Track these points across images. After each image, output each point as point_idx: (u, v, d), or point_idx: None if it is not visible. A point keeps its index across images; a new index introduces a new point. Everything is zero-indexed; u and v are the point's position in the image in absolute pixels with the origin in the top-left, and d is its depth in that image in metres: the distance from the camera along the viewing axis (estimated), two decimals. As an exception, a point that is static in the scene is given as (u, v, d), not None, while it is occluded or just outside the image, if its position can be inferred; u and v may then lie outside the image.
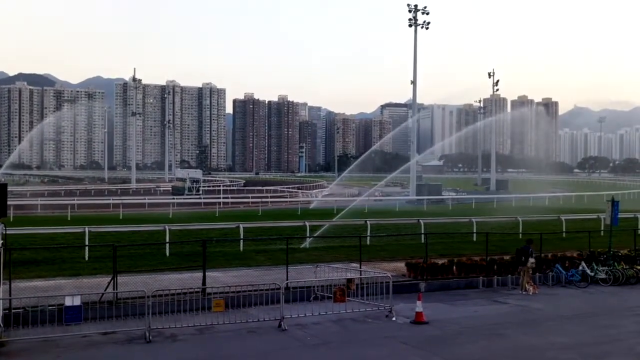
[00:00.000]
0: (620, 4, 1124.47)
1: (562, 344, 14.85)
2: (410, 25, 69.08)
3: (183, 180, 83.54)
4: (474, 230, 31.96)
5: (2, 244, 14.68)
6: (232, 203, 60.38)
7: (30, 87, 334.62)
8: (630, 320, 17.64)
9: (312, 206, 57.36)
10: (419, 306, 16.50)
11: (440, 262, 22.54)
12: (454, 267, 22.40)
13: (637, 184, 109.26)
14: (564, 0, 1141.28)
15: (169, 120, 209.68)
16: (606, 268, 23.12)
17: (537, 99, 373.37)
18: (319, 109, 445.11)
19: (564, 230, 33.86)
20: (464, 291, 21.23)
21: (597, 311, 18.91)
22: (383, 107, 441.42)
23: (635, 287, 22.55)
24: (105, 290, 16.52)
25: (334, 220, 34.16)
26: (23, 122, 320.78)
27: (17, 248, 24.20)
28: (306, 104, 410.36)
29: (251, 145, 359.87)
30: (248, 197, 63.58)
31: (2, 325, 14.21)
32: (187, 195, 73.22)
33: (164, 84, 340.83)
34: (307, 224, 30.68)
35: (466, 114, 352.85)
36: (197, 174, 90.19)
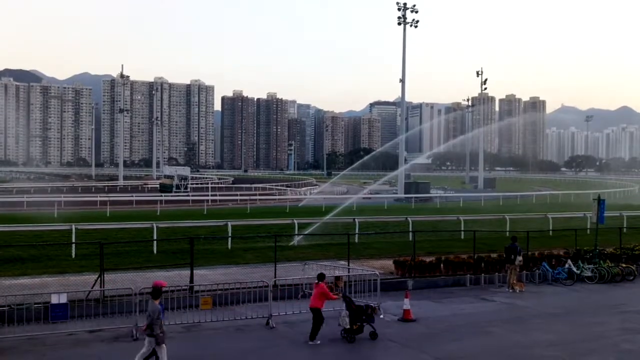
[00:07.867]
0: (609, 6, 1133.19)
1: (548, 341, 14.98)
2: (399, 24, 69.12)
3: (171, 177, 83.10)
4: (462, 228, 32.06)
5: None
6: (220, 201, 60.09)
7: (17, 83, 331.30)
8: (616, 317, 17.79)
9: (301, 204, 57.27)
10: (406, 304, 16.57)
11: (428, 259, 22.61)
12: (442, 265, 22.50)
13: (623, 182, 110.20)
14: (553, 0, 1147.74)
15: (157, 117, 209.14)
16: (592, 266, 23.32)
17: (525, 97, 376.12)
18: (308, 106, 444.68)
19: (550, 228, 34.06)
20: (452, 289, 21.33)
21: (582, 309, 19.08)
22: (372, 105, 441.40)
23: (620, 285, 22.76)
24: (92, 288, 16.40)
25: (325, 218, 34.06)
26: (9, 118, 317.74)
27: (2, 245, 24.07)
28: (295, 102, 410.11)
29: (240, 142, 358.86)
30: (236, 195, 63.34)
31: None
32: (175, 192, 72.83)
33: (152, 80, 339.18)
34: (296, 221, 30.65)
35: (454, 112, 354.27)
36: (185, 171, 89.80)
